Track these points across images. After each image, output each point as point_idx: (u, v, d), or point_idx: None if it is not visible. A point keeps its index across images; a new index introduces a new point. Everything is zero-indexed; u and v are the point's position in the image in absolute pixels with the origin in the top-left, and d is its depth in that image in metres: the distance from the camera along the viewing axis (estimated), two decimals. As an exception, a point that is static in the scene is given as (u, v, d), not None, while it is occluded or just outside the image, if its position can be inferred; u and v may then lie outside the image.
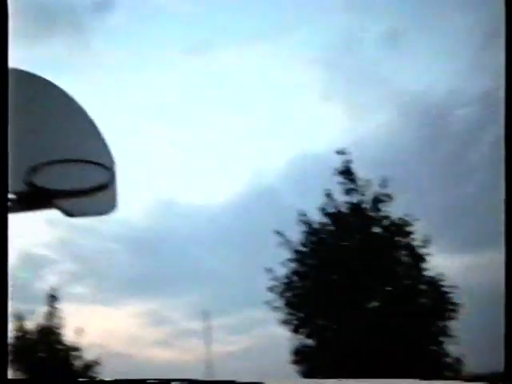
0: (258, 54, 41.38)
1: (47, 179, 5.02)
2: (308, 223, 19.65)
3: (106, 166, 5.27)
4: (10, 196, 5.21)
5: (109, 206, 5.80)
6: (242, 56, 40.67)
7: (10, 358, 23.76)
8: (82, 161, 5.13)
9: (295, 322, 19.37)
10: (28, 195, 5.11)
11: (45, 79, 5.58)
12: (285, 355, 19.51)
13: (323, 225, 19.58)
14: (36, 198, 5.18)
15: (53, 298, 25.36)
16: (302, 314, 19.41)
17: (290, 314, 19.40)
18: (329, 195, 19.46)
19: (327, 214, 19.50)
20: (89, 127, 5.73)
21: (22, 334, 24.62)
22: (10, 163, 5.07)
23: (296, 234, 19.64)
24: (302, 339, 19.46)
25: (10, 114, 5.20)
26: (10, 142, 5.15)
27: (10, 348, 23.96)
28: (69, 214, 5.52)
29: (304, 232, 19.64)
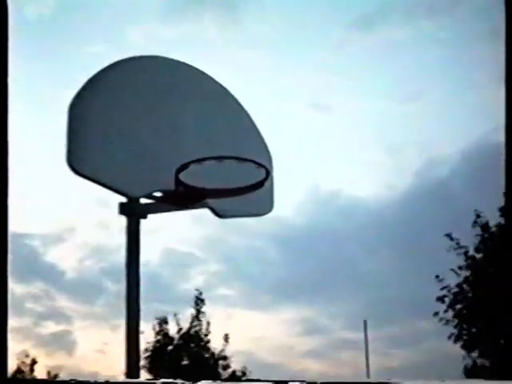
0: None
1: (198, 177, 5.09)
2: (484, 226, 19.06)
3: (261, 164, 5.26)
4: (157, 194, 5.35)
5: (264, 207, 5.82)
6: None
7: (150, 362, 24.40)
8: (235, 158, 5.15)
9: (467, 337, 18.81)
10: (176, 194, 5.21)
11: (198, 70, 5.70)
12: (454, 375, 19.05)
13: (502, 228, 18.89)
14: (185, 197, 5.29)
15: (198, 300, 25.82)
16: (474, 329, 18.85)
17: (462, 328, 18.85)
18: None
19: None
20: (244, 122, 5.79)
21: (165, 337, 25.22)
22: (158, 160, 5.21)
23: (470, 238, 19.10)
24: (475, 358, 18.88)
25: (156, 105, 5.34)
26: (159, 137, 5.29)
27: (150, 353, 24.61)
28: (220, 214, 5.58)
29: (479, 235, 19.07)
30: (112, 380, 4.08)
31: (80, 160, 4.90)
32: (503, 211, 18.60)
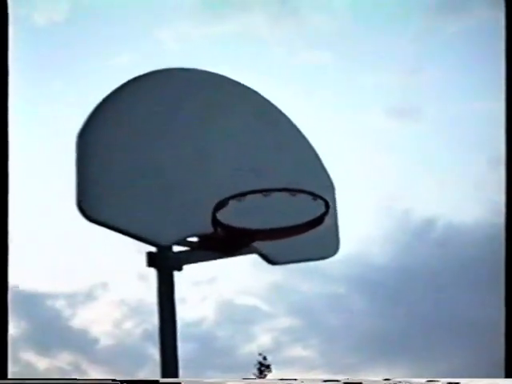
0: None
1: (239, 216, 5.12)
2: None
3: (319, 196, 5.26)
4: (191, 239, 5.36)
5: (326, 248, 5.81)
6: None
7: None
8: (286, 189, 5.14)
9: None
10: (215, 238, 5.25)
11: (239, 83, 5.78)
12: None
13: None
14: (226, 242, 5.30)
15: (263, 367, 25.36)
16: None
17: None
18: None
19: None
20: (299, 144, 5.81)
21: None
22: (189, 198, 5.23)
23: None
24: None
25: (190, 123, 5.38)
26: (189, 168, 5.32)
27: None
28: (272, 260, 5.57)
29: None
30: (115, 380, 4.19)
31: (93, 203, 4.93)
32: None
